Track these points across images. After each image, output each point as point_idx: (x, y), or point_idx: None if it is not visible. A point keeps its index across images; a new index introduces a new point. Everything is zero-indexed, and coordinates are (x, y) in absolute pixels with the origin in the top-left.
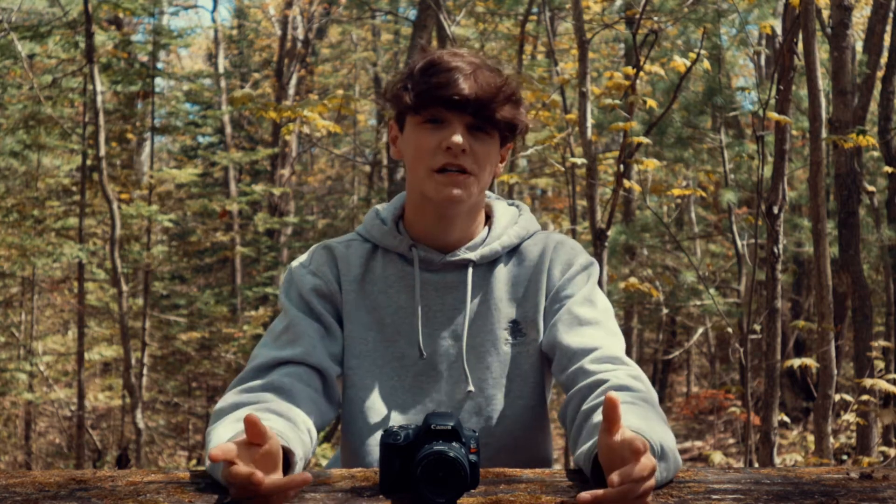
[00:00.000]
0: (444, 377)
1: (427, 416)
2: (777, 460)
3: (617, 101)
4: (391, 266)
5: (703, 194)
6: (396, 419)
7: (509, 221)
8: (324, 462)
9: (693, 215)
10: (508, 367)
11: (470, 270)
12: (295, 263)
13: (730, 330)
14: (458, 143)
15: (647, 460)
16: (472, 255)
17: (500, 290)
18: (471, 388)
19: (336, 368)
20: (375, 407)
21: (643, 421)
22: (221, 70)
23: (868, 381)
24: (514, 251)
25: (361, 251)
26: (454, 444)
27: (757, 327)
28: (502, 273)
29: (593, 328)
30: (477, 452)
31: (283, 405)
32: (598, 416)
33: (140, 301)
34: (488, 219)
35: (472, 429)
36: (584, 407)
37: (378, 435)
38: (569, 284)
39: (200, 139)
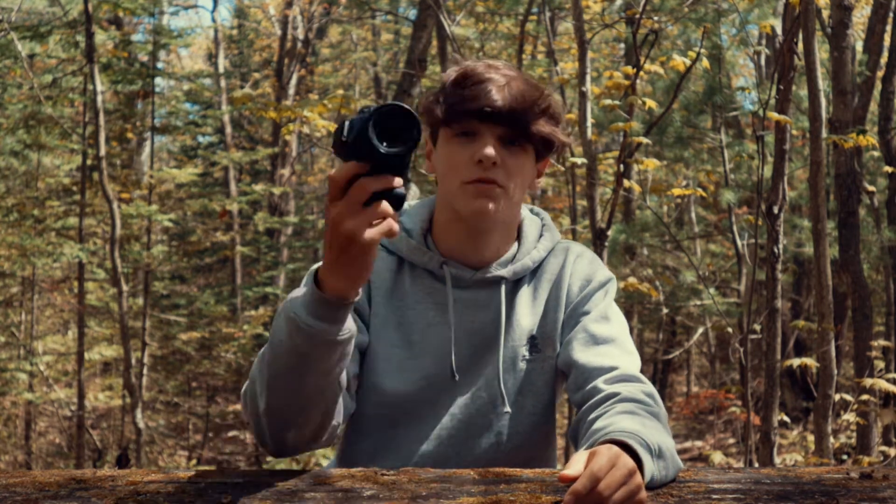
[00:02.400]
0: (469, 395)
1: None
2: (777, 460)
3: (617, 102)
4: (420, 282)
5: (703, 194)
6: (416, 435)
7: (535, 234)
8: (324, 462)
9: (693, 215)
10: (522, 384)
11: (503, 288)
12: (318, 265)
13: (730, 330)
14: (490, 156)
15: (616, 471)
16: (505, 272)
17: (522, 305)
18: (507, 409)
19: (354, 370)
20: (395, 419)
21: (640, 426)
22: (221, 70)
23: (868, 381)
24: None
25: (389, 263)
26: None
27: (757, 327)
28: (525, 288)
29: (609, 346)
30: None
31: None
32: (600, 422)
33: (140, 301)
34: (518, 232)
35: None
36: (591, 416)
37: (392, 449)
38: (586, 301)
39: (200, 139)
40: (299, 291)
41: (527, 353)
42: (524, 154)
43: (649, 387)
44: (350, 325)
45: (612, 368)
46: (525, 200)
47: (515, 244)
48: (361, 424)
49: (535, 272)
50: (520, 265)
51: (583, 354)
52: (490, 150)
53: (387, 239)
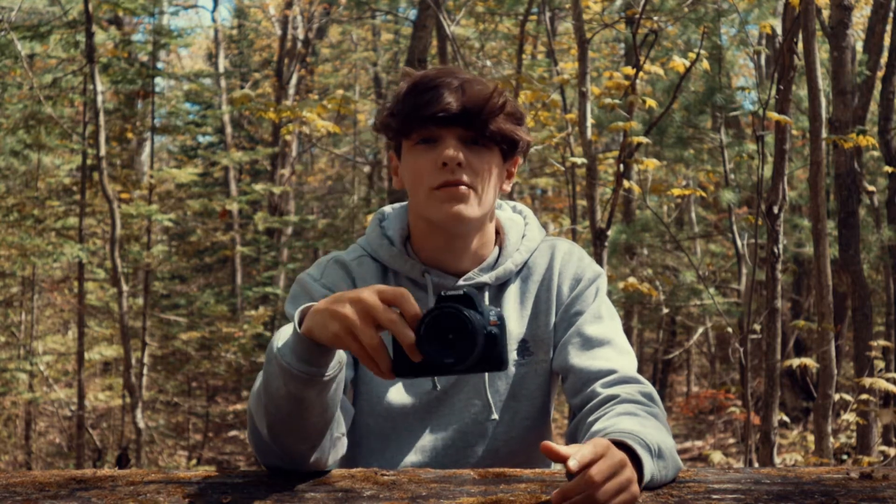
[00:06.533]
0: (457, 404)
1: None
2: (777, 460)
3: (617, 101)
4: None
5: (703, 194)
6: (406, 444)
7: (518, 235)
8: None
9: (693, 215)
10: (515, 389)
11: (486, 294)
12: (304, 275)
13: (730, 330)
14: (453, 157)
15: (604, 462)
16: (487, 278)
17: (509, 309)
18: (495, 416)
19: (350, 374)
20: (385, 432)
21: (640, 426)
22: (221, 70)
23: (868, 381)
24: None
25: (373, 271)
26: (469, 309)
27: (757, 327)
28: (512, 291)
29: (605, 348)
30: (499, 327)
31: None
32: (599, 424)
33: (140, 301)
34: (498, 235)
35: (493, 307)
36: (590, 418)
37: (386, 459)
38: (578, 301)
39: (200, 139)
40: (287, 331)
41: (517, 357)
42: (489, 153)
43: (648, 387)
44: (340, 356)
45: (611, 371)
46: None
47: (496, 248)
48: (355, 436)
49: (520, 273)
50: (502, 269)
51: (579, 359)
52: (452, 151)
53: (370, 245)
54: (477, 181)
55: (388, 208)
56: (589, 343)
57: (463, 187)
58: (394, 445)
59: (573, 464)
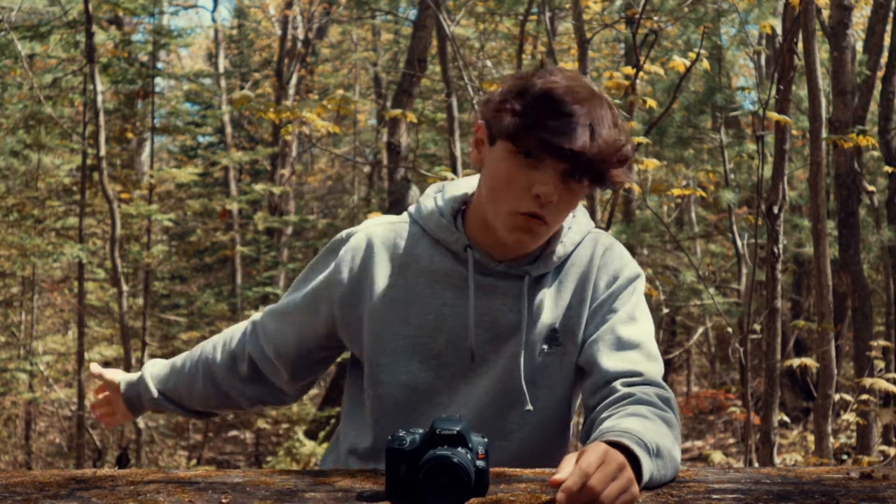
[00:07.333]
0: (484, 385)
1: (434, 420)
2: (777, 460)
3: (617, 101)
4: (440, 260)
5: (703, 194)
6: (434, 416)
7: (565, 227)
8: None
9: (693, 215)
10: (536, 377)
11: (526, 280)
12: (342, 240)
13: (730, 330)
14: (549, 194)
15: (606, 466)
16: (530, 267)
17: (544, 298)
18: (529, 406)
19: (297, 375)
20: (412, 403)
21: (640, 426)
22: (221, 70)
23: (868, 381)
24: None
25: (408, 237)
26: (460, 449)
27: (757, 327)
28: (549, 280)
29: (634, 352)
30: (485, 458)
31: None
32: (607, 423)
33: (140, 301)
34: None
35: (482, 434)
36: (602, 415)
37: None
38: (614, 299)
39: (200, 139)
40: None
41: (546, 347)
42: (581, 189)
43: (667, 393)
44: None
45: (635, 373)
46: None
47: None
48: (388, 419)
49: (561, 265)
50: (543, 263)
51: (607, 358)
52: (551, 190)
53: (418, 212)
54: (557, 217)
55: (450, 183)
56: (620, 344)
57: (542, 223)
58: (419, 421)
59: (560, 497)
